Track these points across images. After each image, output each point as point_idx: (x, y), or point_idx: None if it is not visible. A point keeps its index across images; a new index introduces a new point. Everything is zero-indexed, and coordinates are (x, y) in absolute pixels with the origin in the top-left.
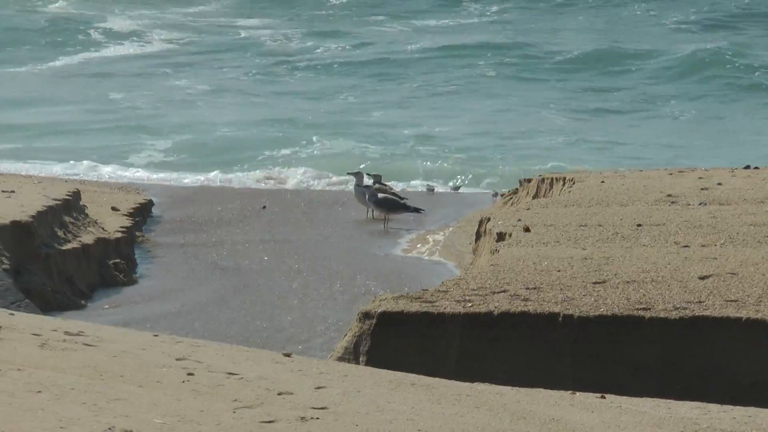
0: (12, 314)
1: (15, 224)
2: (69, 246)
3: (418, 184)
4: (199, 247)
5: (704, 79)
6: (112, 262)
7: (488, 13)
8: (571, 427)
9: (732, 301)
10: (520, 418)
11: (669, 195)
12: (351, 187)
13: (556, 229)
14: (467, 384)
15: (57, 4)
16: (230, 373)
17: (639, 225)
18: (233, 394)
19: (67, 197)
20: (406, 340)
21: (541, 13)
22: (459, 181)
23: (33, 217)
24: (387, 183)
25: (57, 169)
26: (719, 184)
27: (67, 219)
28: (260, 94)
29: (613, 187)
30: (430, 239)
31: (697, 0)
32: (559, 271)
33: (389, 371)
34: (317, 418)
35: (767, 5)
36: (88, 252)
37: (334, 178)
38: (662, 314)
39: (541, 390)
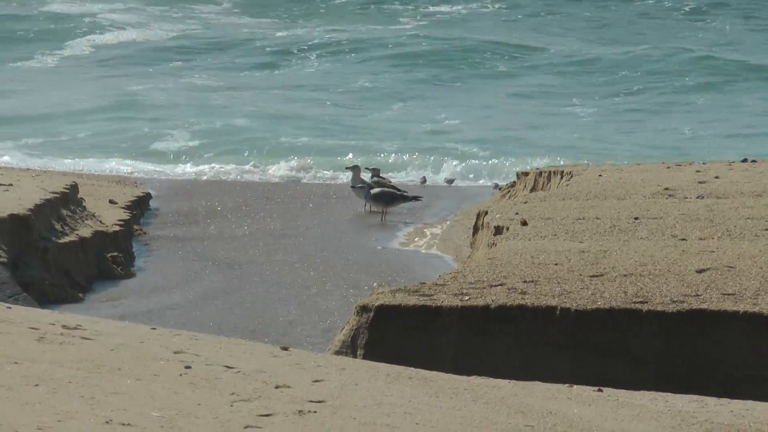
0: (9, 307)
1: (13, 217)
2: (67, 239)
3: (413, 175)
4: (197, 240)
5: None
6: (109, 255)
7: (497, 6)
8: (568, 420)
9: (729, 294)
10: (518, 412)
11: (666, 188)
12: (349, 180)
13: (554, 223)
14: (465, 377)
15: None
16: (228, 367)
17: (636, 218)
18: (231, 387)
19: (65, 190)
20: (404, 334)
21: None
22: (455, 170)
23: (31, 210)
24: (384, 176)
25: (54, 163)
26: (716, 177)
27: (64, 212)
28: (260, 87)
29: (610, 181)
30: (428, 233)
31: None
32: (556, 264)
33: (387, 365)
34: (315, 412)
35: None
36: (85, 245)
37: (332, 172)
38: (659, 307)
39: (539, 383)
